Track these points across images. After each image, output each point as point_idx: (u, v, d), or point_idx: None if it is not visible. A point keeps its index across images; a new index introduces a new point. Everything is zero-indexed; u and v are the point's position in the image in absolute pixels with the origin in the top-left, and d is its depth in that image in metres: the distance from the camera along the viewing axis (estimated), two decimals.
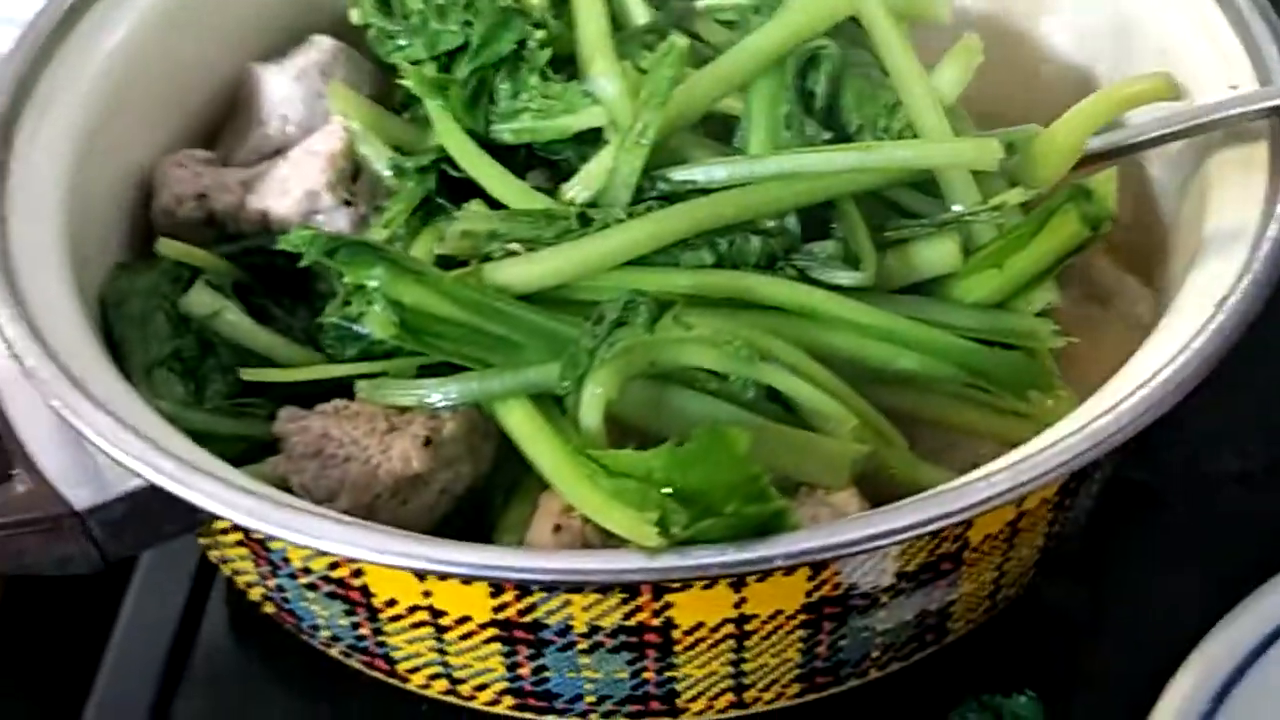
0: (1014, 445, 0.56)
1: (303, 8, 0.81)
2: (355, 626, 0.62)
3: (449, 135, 0.70)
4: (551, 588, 0.55)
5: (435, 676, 0.63)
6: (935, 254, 0.65)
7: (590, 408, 0.58)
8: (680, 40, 0.65)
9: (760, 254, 0.64)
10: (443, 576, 0.55)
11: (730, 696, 0.62)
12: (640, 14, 0.73)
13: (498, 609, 0.57)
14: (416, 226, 0.70)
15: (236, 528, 0.60)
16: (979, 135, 0.68)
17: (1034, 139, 0.68)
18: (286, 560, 0.60)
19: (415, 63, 0.72)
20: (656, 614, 0.57)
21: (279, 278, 0.71)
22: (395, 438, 0.61)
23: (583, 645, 0.58)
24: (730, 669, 0.60)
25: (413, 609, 0.59)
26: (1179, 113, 0.69)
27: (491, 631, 0.58)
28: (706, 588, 0.56)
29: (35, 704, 0.75)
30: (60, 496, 0.58)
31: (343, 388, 0.63)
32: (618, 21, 0.72)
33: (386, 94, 0.77)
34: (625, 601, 0.56)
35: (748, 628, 0.58)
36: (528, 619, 0.57)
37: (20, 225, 0.64)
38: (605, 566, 0.52)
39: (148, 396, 0.61)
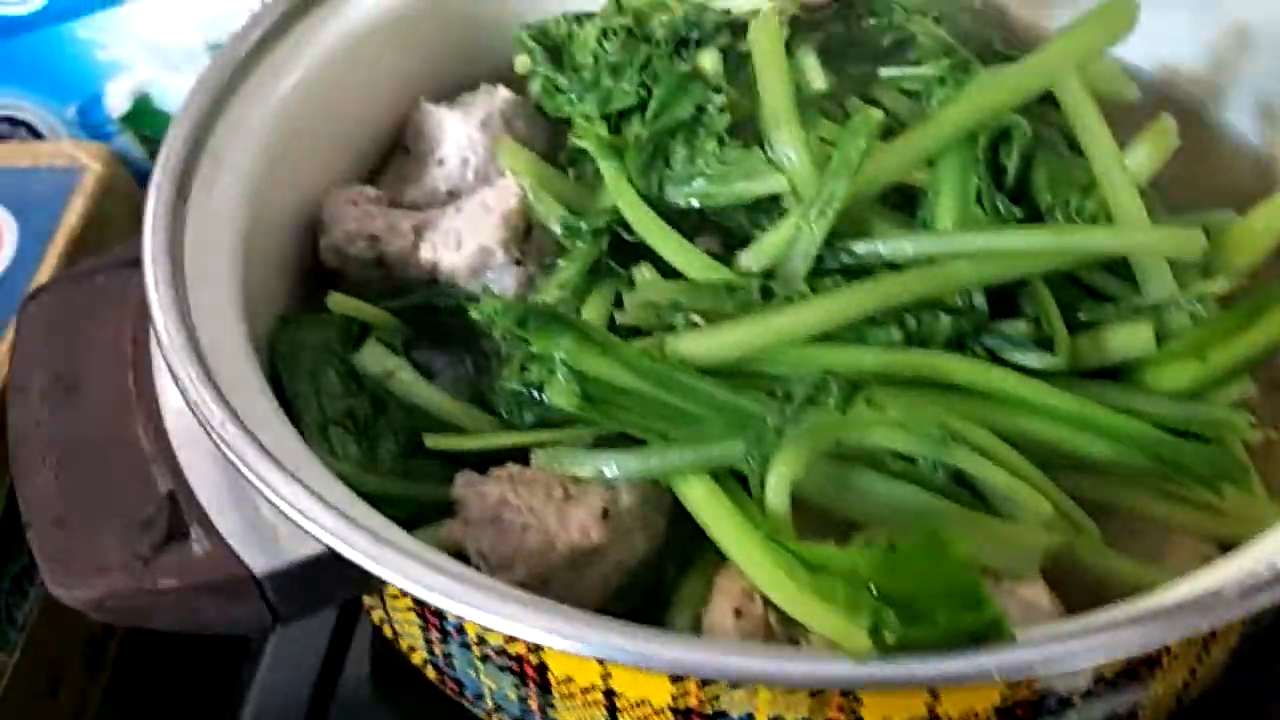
0: (1205, 539, 0.54)
1: (469, 54, 0.81)
2: (524, 700, 0.61)
3: (624, 198, 0.69)
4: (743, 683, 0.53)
5: None
6: (1130, 339, 0.63)
7: (777, 490, 0.57)
8: (874, 112, 0.64)
9: (950, 333, 0.62)
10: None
11: None
12: (818, 80, 0.72)
13: (677, 695, 0.55)
14: (585, 288, 0.69)
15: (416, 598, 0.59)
16: (1178, 221, 0.66)
17: (1231, 226, 0.66)
18: (461, 630, 0.59)
19: (585, 119, 0.72)
20: (842, 709, 0.55)
21: (442, 330, 0.71)
22: (572, 507, 0.60)
23: None
24: None
25: (588, 689, 0.57)
26: None
27: (668, 717, 0.57)
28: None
29: None
30: (238, 559, 0.57)
31: (512, 450, 0.62)
32: (796, 87, 0.71)
33: (550, 149, 0.76)
34: (813, 695, 0.54)
35: None
36: (709, 710, 0.56)
37: (197, 277, 0.64)
38: (811, 671, 0.50)
39: (325, 458, 0.61)
